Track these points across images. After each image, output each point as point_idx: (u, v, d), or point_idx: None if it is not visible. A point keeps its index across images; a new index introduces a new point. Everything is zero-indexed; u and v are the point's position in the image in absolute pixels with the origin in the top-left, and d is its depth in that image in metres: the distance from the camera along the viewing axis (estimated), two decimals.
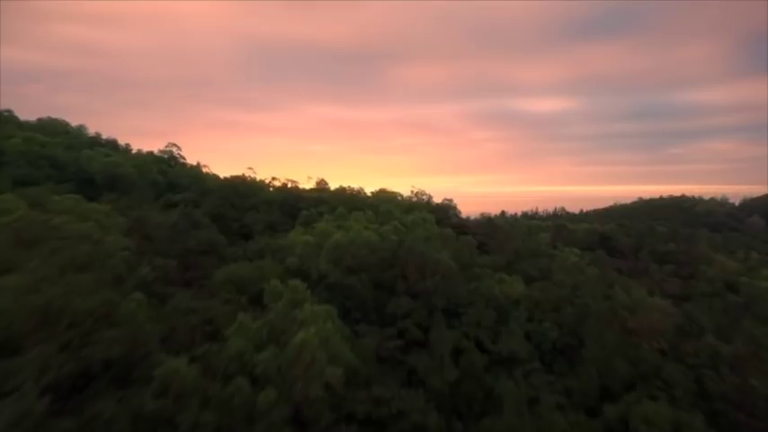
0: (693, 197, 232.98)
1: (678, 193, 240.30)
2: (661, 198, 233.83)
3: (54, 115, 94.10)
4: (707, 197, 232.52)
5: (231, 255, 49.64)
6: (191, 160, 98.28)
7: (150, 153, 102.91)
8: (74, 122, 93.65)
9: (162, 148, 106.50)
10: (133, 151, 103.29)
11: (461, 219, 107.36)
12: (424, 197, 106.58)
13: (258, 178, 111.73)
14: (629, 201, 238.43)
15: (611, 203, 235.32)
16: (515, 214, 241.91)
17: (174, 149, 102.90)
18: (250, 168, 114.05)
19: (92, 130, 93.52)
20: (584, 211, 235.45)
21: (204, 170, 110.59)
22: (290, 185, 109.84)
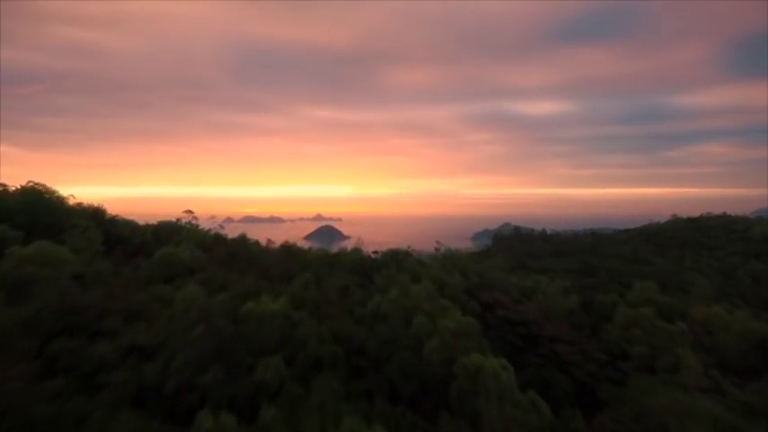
0: (736, 216, 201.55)
1: (719, 211, 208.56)
2: (701, 217, 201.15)
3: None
4: (752, 215, 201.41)
5: None
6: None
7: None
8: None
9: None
10: None
11: (501, 298, 69.89)
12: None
13: (192, 226, 72.83)
14: (662, 219, 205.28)
15: (645, 222, 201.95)
16: (532, 230, 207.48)
17: (42, 188, 62.52)
18: (189, 212, 74.76)
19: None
20: (610, 230, 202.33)
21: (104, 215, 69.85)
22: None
